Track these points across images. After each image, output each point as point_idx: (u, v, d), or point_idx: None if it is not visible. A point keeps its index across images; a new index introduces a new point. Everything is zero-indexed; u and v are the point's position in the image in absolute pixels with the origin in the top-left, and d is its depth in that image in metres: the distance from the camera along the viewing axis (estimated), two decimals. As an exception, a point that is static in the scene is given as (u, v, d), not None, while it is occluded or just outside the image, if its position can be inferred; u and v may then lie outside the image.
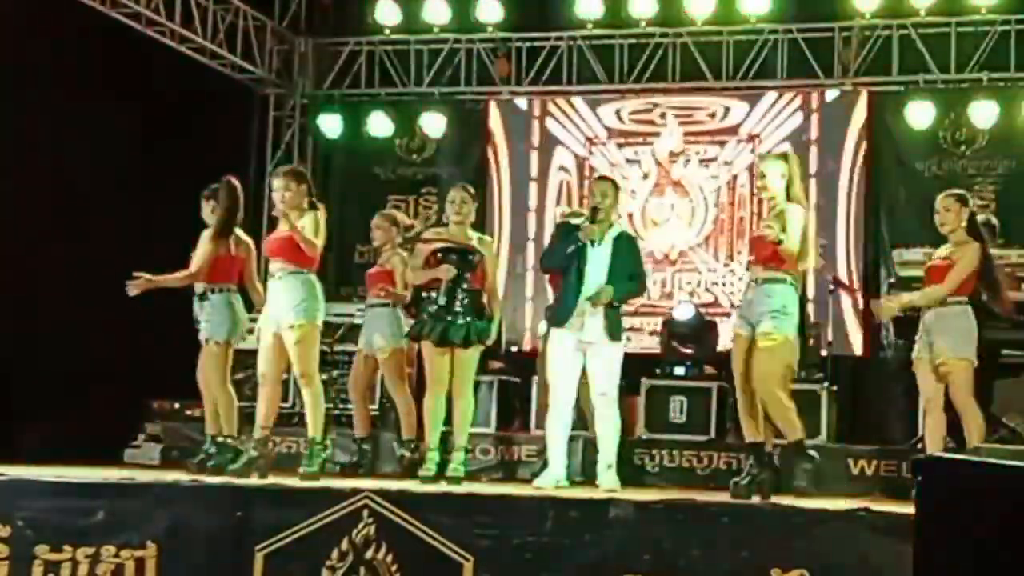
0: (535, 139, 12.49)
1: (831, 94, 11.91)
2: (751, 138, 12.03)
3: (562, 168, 12.43)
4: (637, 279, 7.70)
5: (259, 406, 7.53)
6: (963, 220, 7.21)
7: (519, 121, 12.49)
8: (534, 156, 12.44)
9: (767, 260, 6.90)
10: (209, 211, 8.03)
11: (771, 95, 11.98)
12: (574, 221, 7.80)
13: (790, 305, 6.87)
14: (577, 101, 12.40)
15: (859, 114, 11.82)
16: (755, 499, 6.64)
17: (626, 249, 7.58)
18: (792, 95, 11.94)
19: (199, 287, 7.92)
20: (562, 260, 7.60)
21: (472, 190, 8.12)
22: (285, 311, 7.34)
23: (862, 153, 11.76)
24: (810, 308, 11.39)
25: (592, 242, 7.48)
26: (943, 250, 7.31)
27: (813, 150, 11.82)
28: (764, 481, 6.83)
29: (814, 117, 11.90)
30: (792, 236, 6.83)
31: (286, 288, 7.38)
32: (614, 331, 7.48)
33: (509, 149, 12.49)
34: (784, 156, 7.25)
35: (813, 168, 11.75)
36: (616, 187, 7.74)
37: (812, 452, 7.06)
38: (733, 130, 12.07)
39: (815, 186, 11.61)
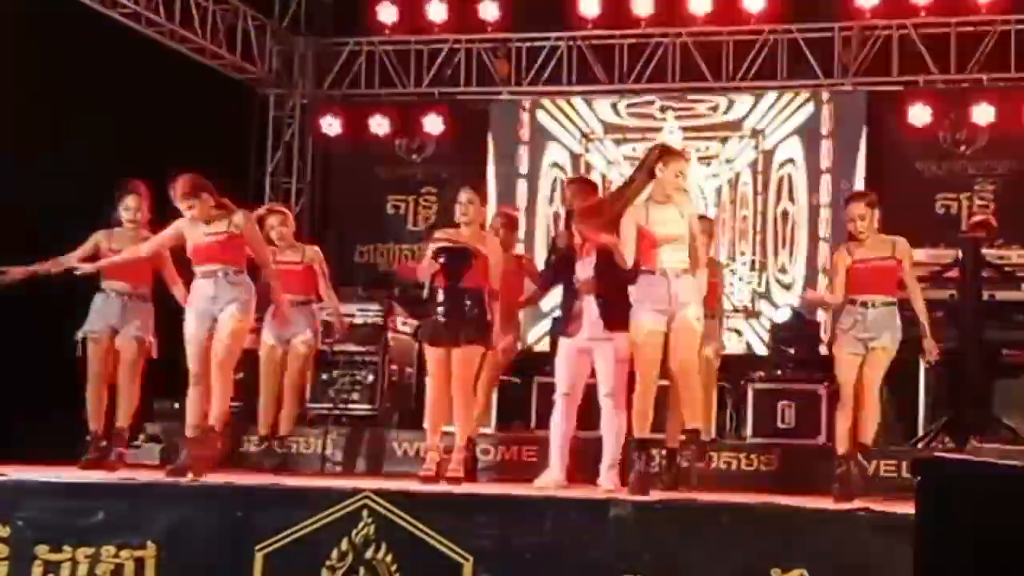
0: (524, 133, 12.43)
1: (779, 133, 11.92)
2: (755, 134, 12.01)
3: (555, 165, 12.41)
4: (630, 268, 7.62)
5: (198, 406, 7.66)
6: (876, 220, 7.28)
7: (509, 113, 12.37)
8: (524, 151, 12.39)
9: None
10: (137, 209, 8.13)
11: (735, 140, 11.93)
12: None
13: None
14: (574, 97, 12.36)
15: (859, 114, 11.85)
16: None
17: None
18: (749, 139, 11.88)
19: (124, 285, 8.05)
20: (554, 271, 7.61)
21: (481, 191, 8.16)
22: (230, 306, 7.46)
23: (861, 152, 11.79)
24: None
25: (572, 246, 7.46)
26: (870, 251, 7.31)
27: (825, 144, 11.78)
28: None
29: (825, 109, 11.81)
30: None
31: (231, 286, 7.50)
32: (617, 323, 7.42)
33: (495, 144, 12.38)
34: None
35: (826, 163, 11.75)
36: (591, 185, 7.73)
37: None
38: (736, 125, 12.03)
39: (829, 182, 11.64)
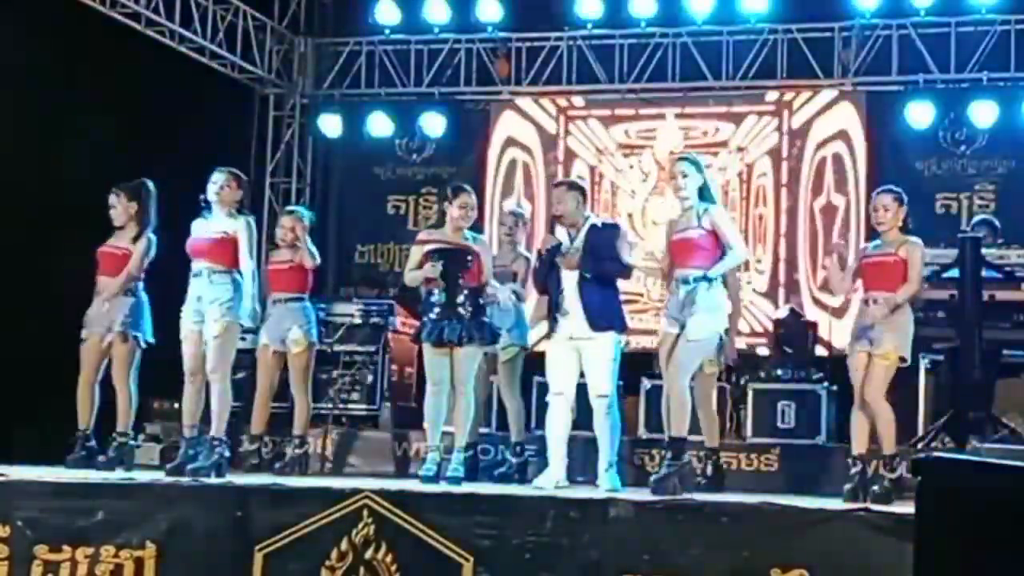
0: (560, 154, 12.58)
1: (807, 110, 11.98)
2: (739, 150, 12.18)
3: (579, 177, 12.54)
4: (613, 259, 7.56)
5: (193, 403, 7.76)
6: (900, 219, 7.24)
7: (548, 140, 12.59)
8: (560, 170, 12.53)
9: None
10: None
11: (752, 118, 12.12)
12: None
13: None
14: (592, 122, 12.48)
15: (845, 116, 11.88)
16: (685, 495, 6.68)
17: (597, 237, 7.50)
18: (770, 118, 12.09)
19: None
20: (541, 275, 7.66)
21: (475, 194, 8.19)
22: (213, 307, 7.67)
23: (847, 156, 11.83)
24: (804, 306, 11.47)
25: (559, 247, 7.47)
26: (882, 247, 7.30)
27: (784, 164, 12.09)
28: (683, 477, 6.98)
29: (785, 138, 12.07)
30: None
31: (215, 286, 7.68)
32: (602, 322, 7.43)
33: (544, 164, 12.55)
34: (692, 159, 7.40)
35: (784, 179, 12.06)
36: (573, 187, 7.74)
37: None
38: (724, 143, 12.23)
39: (785, 195, 12.00)
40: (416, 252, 7.90)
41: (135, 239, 8.12)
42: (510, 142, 12.60)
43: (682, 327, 7.06)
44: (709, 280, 7.07)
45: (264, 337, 8.55)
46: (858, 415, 7.24)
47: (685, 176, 7.19)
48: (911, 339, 7.14)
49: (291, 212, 9.09)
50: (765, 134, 12.13)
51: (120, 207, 8.18)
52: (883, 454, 7.18)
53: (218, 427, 7.77)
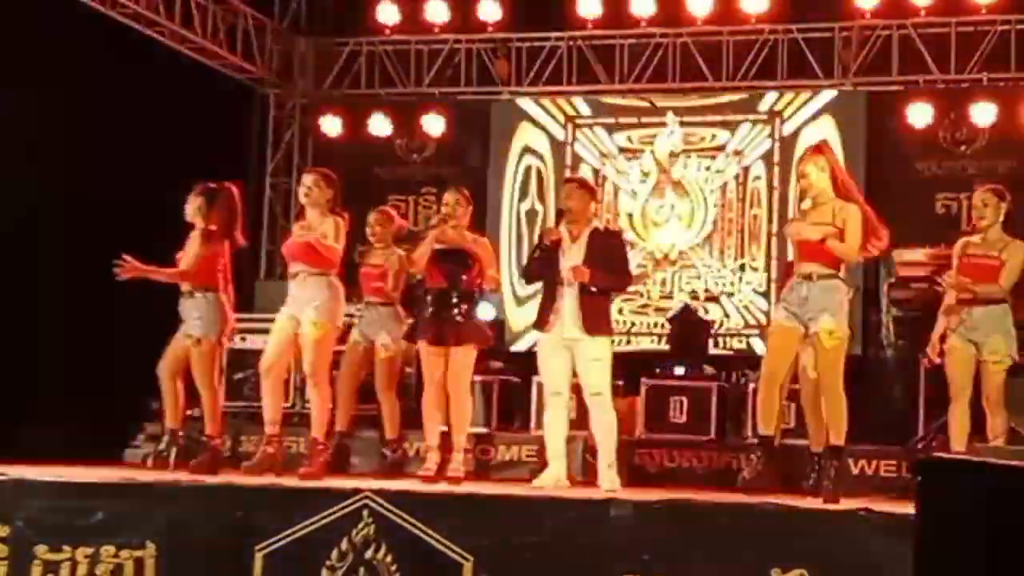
0: (568, 159, 12.32)
1: (803, 113, 11.90)
2: (772, 116, 11.93)
3: (530, 151, 12.37)
4: (617, 272, 7.58)
5: (267, 401, 7.70)
6: (1000, 216, 7.16)
7: (558, 147, 12.33)
8: (567, 173, 12.16)
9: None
10: (195, 209, 8.05)
11: (746, 125, 11.92)
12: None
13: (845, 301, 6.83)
14: (598, 129, 12.27)
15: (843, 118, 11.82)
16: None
17: (602, 244, 7.48)
18: (762, 125, 11.88)
19: (185, 286, 7.96)
20: (534, 267, 7.61)
21: (467, 192, 8.12)
22: (307, 309, 7.55)
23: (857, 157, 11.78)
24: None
25: (558, 243, 7.42)
26: (979, 246, 7.24)
27: (776, 170, 11.83)
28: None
29: (776, 145, 11.85)
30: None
31: (309, 288, 7.58)
32: (595, 326, 7.41)
33: (555, 169, 12.30)
34: (820, 149, 6.94)
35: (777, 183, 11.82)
36: (584, 186, 7.72)
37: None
38: (750, 106, 12.01)
39: (777, 197, 11.72)
40: (429, 238, 7.87)
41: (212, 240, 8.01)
42: (526, 150, 12.39)
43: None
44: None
45: (356, 335, 8.48)
46: (963, 411, 7.17)
47: (805, 176, 6.88)
48: (1013, 339, 7.13)
49: (382, 210, 8.92)
50: (759, 141, 11.96)
51: (192, 207, 8.07)
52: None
53: (319, 428, 7.81)
